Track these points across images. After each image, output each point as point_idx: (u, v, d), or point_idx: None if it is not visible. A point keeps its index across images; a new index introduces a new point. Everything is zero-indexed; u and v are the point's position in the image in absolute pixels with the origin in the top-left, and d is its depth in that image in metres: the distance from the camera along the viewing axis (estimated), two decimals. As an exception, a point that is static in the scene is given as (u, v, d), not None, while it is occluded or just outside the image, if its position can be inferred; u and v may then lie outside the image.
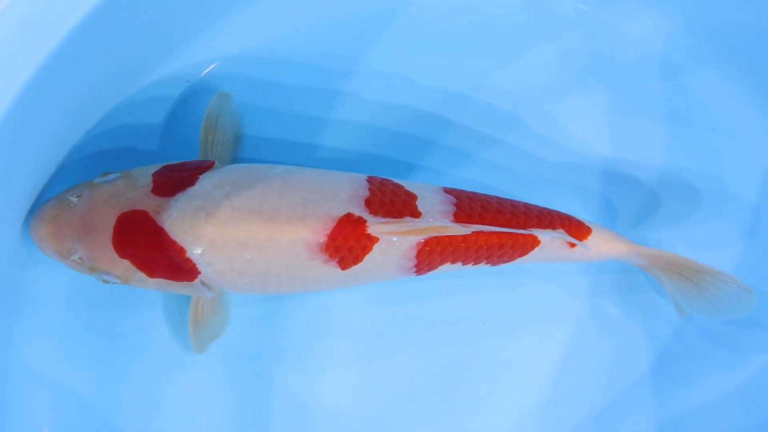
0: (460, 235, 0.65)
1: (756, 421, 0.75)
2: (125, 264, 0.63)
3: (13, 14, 0.57)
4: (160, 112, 0.74)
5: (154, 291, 0.70)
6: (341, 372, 0.75)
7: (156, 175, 0.64)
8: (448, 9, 0.76)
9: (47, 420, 0.71)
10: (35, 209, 0.66)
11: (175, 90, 0.74)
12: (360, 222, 0.62)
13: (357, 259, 0.63)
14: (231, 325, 0.72)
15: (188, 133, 0.73)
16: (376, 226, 0.62)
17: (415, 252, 0.64)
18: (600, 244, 0.70)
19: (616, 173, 0.77)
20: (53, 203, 0.65)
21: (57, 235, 0.63)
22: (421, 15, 0.76)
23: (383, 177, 0.68)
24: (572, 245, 0.69)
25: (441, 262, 0.66)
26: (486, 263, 0.68)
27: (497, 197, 0.69)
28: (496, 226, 0.65)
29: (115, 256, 0.63)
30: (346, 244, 0.62)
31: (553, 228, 0.68)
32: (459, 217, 0.65)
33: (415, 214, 0.64)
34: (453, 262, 0.67)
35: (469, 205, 0.66)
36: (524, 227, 0.67)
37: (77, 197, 0.64)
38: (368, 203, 0.63)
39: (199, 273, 0.63)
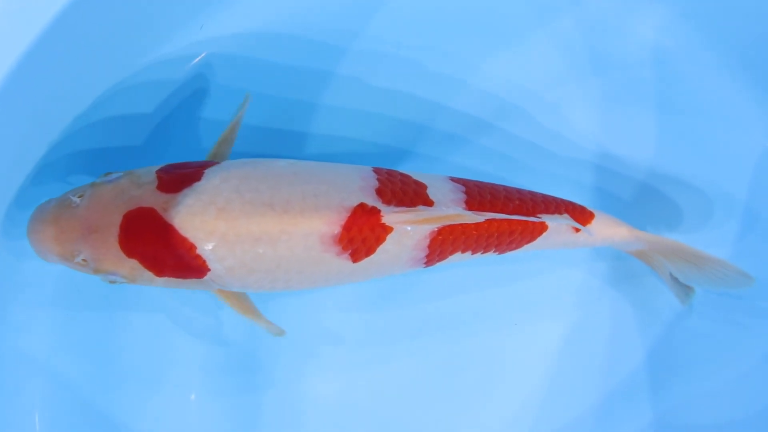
0: (473, 224, 0.64)
1: (755, 412, 0.76)
2: (132, 263, 0.61)
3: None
4: (151, 101, 0.73)
5: None
6: (334, 369, 0.74)
7: (160, 172, 0.62)
8: None
9: (38, 405, 0.70)
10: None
11: (166, 76, 0.73)
12: (374, 212, 0.61)
13: (370, 251, 0.63)
14: (222, 320, 0.72)
15: (184, 123, 0.72)
16: (390, 216, 0.61)
17: (428, 242, 0.64)
18: (603, 229, 0.71)
19: (610, 164, 0.78)
20: (54, 204, 0.62)
21: (59, 237, 0.61)
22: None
23: (385, 167, 0.67)
24: (576, 230, 0.70)
25: (452, 252, 0.66)
26: (495, 251, 0.68)
27: (501, 185, 0.69)
28: (507, 213, 0.65)
29: (122, 255, 0.60)
30: (360, 234, 0.61)
31: (559, 213, 0.68)
32: (471, 204, 0.65)
33: (428, 202, 0.63)
34: (463, 251, 0.66)
35: (478, 193, 0.66)
36: (532, 213, 0.67)
37: (79, 197, 0.62)
38: (380, 193, 0.63)
39: (209, 270, 0.61)
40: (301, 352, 0.74)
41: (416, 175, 0.66)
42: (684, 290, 0.74)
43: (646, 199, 0.78)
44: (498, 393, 0.75)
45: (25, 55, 0.58)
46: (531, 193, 0.69)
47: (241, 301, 0.67)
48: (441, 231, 0.64)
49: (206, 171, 0.62)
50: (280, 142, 0.75)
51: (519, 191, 0.68)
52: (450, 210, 0.63)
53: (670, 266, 0.72)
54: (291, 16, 0.74)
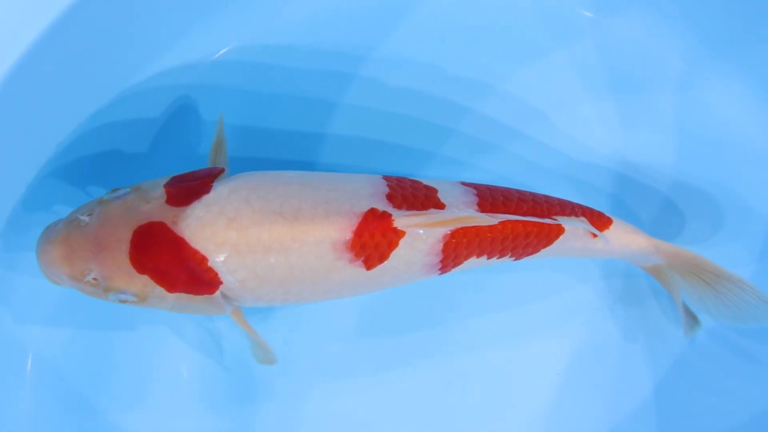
0: (487, 226, 0.63)
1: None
2: (144, 280, 0.60)
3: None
4: (154, 108, 0.74)
5: None
6: (335, 379, 0.73)
7: (168, 186, 0.62)
8: (466, 6, 0.77)
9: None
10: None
11: (171, 82, 0.74)
12: (385, 216, 0.61)
13: (383, 257, 0.62)
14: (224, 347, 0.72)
15: (187, 128, 0.73)
16: (402, 219, 0.61)
17: (441, 246, 0.63)
18: (621, 236, 0.69)
19: (627, 181, 0.77)
20: (62, 225, 0.62)
21: (70, 257, 0.60)
22: (437, 9, 0.77)
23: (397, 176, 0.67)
24: (594, 236, 0.68)
25: (467, 256, 0.65)
26: (511, 256, 0.67)
27: (514, 188, 0.68)
28: (521, 215, 0.64)
29: (133, 271, 0.60)
30: (372, 240, 0.60)
31: (576, 217, 0.67)
32: (483, 207, 0.64)
33: (439, 206, 0.63)
34: (478, 255, 0.65)
35: (490, 195, 0.65)
36: (547, 215, 0.65)
37: (88, 215, 0.61)
38: (390, 198, 0.62)
39: (221, 283, 0.61)
40: (302, 372, 0.73)
41: (426, 181, 0.66)
42: (691, 322, 0.72)
43: (668, 213, 0.77)
44: (504, 410, 0.74)
45: (21, 61, 0.60)
46: (546, 196, 0.68)
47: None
48: (454, 234, 0.63)
49: (215, 183, 0.62)
50: (291, 147, 0.75)
51: (533, 194, 0.67)
52: (462, 212, 0.62)
53: (685, 286, 0.70)
54: (302, 22, 0.75)
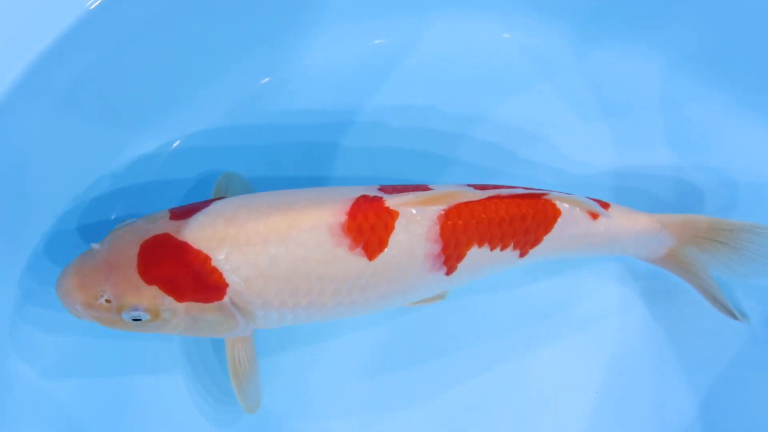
0: (482, 207, 0.65)
1: None
2: (153, 291, 0.62)
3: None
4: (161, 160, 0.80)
5: None
6: (352, 416, 0.73)
7: (172, 209, 0.66)
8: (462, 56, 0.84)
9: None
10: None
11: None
12: (377, 198, 0.63)
13: (382, 242, 0.63)
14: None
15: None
16: (393, 199, 0.63)
17: (438, 228, 0.64)
18: (621, 215, 0.70)
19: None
20: (76, 258, 0.65)
21: (83, 284, 0.63)
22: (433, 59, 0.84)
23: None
24: (594, 216, 0.69)
25: (468, 244, 0.65)
26: (513, 246, 0.67)
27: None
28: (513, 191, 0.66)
29: (142, 284, 0.62)
30: (368, 221, 0.62)
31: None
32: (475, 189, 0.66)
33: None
34: (480, 244, 0.66)
35: (482, 185, 0.67)
36: (540, 196, 0.67)
37: (99, 244, 0.65)
38: (382, 189, 0.65)
39: (227, 285, 0.62)
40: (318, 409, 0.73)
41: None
42: (727, 309, 0.72)
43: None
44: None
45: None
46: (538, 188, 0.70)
47: (241, 368, 0.69)
48: (449, 215, 0.64)
49: (213, 202, 0.66)
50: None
51: (525, 187, 0.69)
52: (451, 187, 0.64)
53: (707, 258, 0.70)
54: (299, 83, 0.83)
